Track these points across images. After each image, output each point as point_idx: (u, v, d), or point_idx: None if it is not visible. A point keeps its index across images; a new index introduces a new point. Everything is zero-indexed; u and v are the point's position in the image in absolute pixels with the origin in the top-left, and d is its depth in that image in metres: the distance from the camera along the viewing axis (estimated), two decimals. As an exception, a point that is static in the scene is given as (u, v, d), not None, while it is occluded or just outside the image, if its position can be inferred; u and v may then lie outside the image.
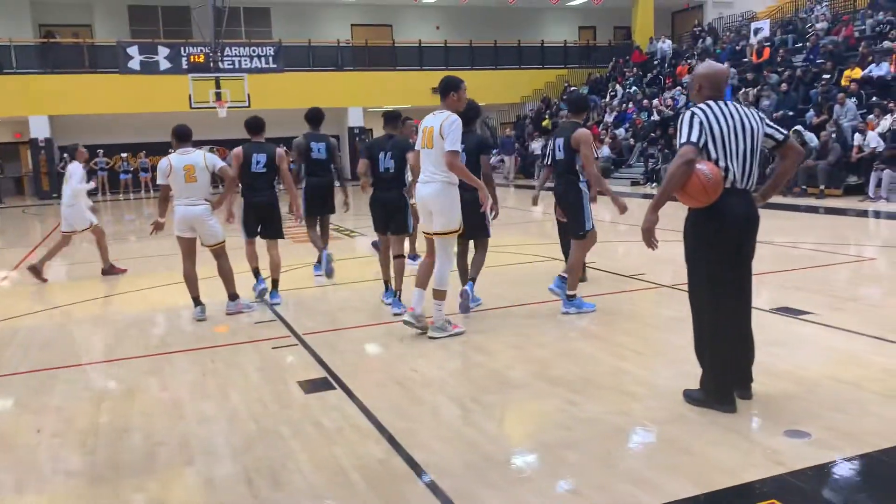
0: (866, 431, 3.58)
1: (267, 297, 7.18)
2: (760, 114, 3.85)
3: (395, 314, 6.35)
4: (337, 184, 8.35)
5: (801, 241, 9.53)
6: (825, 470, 3.25)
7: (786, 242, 9.40)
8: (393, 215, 6.57)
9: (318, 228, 8.46)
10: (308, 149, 8.02)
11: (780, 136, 3.80)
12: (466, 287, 6.42)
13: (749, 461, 3.36)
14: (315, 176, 8.13)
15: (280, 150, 7.10)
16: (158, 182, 6.45)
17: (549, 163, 6.60)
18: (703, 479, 3.21)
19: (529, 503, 3.08)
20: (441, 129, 5.32)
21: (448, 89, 5.49)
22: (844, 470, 3.26)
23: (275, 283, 7.21)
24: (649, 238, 3.81)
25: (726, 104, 3.72)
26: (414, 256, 8.39)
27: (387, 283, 6.90)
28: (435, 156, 5.42)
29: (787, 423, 3.76)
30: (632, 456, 3.46)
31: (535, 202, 7.16)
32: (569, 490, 3.17)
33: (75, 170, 9.21)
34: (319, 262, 8.45)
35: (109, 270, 9.31)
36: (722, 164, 3.66)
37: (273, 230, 7.20)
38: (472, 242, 6.64)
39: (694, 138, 3.62)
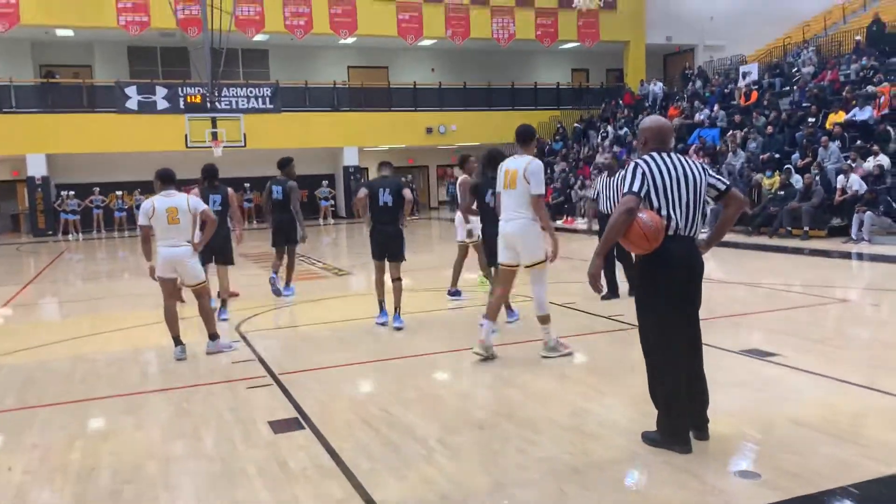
0: (814, 472, 3.68)
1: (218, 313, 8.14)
2: (703, 164, 4.03)
3: (397, 328, 7.38)
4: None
5: (781, 283, 9.65)
6: (769, 510, 3.34)
7: (766, 283, 9.53)
8: (390, 245, 7.49)
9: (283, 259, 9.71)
10: (270, 191, 9.54)
11: (721, 186, 3.98)
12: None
13: (697, 501, 3.46)
14: (276, 213, 9.56)
15: (231, 191, 8.47)
16: (140, 223, 6.53)
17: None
18: (651, 518, 3.31)
19: (479, 542, 3.18)
20: (525, 172, 5.92)
21: (531, 137, 6.23)
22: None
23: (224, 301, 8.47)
24: (594, 282, 3.98)
25: (670, 156, 3.90)
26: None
27: (381, 303, 7.58)
28: (518, 196, 5.98)
29: (740, 463, 3.87)
30: (583, 495, 3.54)
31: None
32: (518, 529, 3.26)
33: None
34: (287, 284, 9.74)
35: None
36: (664, 212, 3.82)
37: (227, 258, 8.52)
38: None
39: (636, 188, 3.79)
